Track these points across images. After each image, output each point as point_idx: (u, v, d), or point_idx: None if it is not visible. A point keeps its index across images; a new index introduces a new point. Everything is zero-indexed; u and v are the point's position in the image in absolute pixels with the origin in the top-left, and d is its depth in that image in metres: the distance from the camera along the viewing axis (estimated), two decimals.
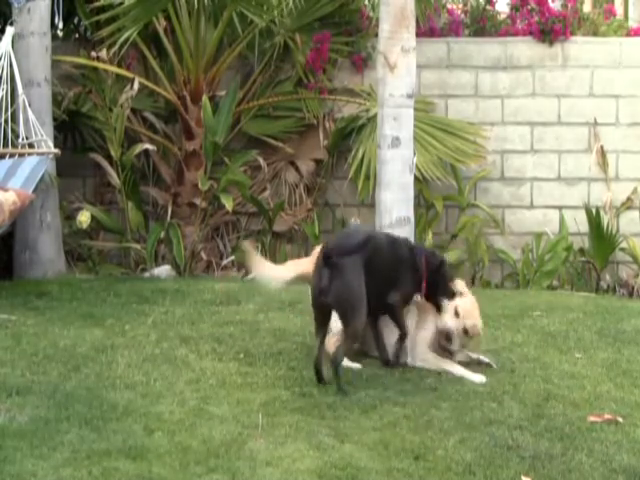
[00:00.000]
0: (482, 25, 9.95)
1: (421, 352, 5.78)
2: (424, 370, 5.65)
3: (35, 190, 7.56)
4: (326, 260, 5.25)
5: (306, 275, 5.70)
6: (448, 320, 5.70)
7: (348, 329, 5.26)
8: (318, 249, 5.65)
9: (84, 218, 8.62)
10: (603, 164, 9.53)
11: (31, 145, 7.87)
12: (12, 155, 7.76)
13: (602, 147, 9.52)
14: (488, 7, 10.09)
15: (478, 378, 5.55)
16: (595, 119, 9.53)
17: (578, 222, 9.42)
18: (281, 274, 6.01)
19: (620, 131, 9.55)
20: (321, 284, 5.23)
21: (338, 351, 5.27)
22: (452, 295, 5.77)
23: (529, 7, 9.76)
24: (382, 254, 5.58)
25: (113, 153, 8.86)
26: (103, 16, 8.80)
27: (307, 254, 9.52)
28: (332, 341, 5.46)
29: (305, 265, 5.90)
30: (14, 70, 7.82)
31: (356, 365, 5.68)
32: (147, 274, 8.48)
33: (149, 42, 9.35)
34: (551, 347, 6.27)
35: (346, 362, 5.51)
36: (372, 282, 5.32)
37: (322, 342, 5.37)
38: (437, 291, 5.78)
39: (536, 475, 4.33)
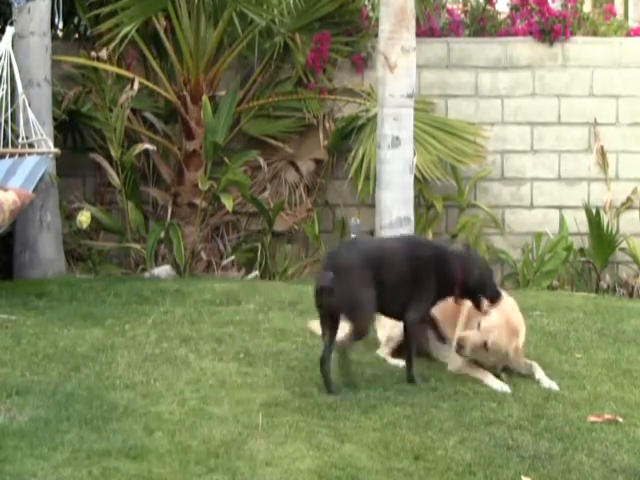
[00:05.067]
0: (482, 25, 9.95)
1: (456, 358, 5.62)
2: (424, 370, 5.63)
3: (35, 190, 7.55)
4: None
5: None
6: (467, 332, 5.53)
7: None
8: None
9: (84, 218, 8.61)
10: (603, 164, 9.53)
11: (31, 145, 7.87)
12: (12, 155, 7.76)
13: (602, 147, 9.52)
14: (488, 7, 10.10)
15: (502, 388, 5.38)
16: (595, 119, 9.53)
17: (578, 222, 9.43)
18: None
19: (620, 131, 9.55)
20: None
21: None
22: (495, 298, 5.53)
23: (529, 7, 9.77)
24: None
25: (113, 153, 8.86)
26: (102, 10, 8.81)
27: (307, 254, 9.56)
28: None
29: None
30: (14, 70, 7.82)
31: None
32: (147, 274, 8.48)
33: (149, 42, 9.36)
34: (551, 347, 6.27)
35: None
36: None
37: None
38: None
39: (536, 475, 4.33)
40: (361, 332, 5.28)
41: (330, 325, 5.25)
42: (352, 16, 9.69)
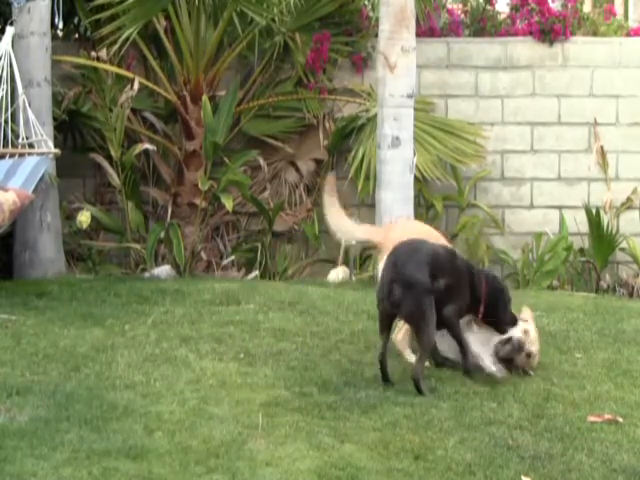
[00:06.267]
0: (482, 25, 9.95)
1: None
2: (423, 370, 5.62)
3: (35, 190, 7.55)
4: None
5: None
6: (518, 333, 5.61)
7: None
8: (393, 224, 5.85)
9: (84, 218, 8.61)
10: (603, 164, 9.53)
11: (31, 145, 7.87)
12: (12, 155, 7.76)
13: (602, 147, 9.52)
14: (488, 7, 10.09)
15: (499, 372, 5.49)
16: (595, 119, 9.53)
17: (578, 222, 9.43)
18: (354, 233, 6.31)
19: (620, 131, 9.55)
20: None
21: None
22: (514, 322, 5.68)
23: (529, 7, 9.76)
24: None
25: (113, 153, 8.86)
26: (103, 14, 8.81)
27: (307, 254, 9.56)
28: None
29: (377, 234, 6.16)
30: (14, 70, 7.82)
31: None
32: (147, 274, 8.47)
33: (149, 42, 9.36)
34: (551, 347, 6.26)
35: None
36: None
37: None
38: (497, 315, 5.67)
39: (536, 475, 4.33)
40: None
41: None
42: (352, 16, 9.68)
